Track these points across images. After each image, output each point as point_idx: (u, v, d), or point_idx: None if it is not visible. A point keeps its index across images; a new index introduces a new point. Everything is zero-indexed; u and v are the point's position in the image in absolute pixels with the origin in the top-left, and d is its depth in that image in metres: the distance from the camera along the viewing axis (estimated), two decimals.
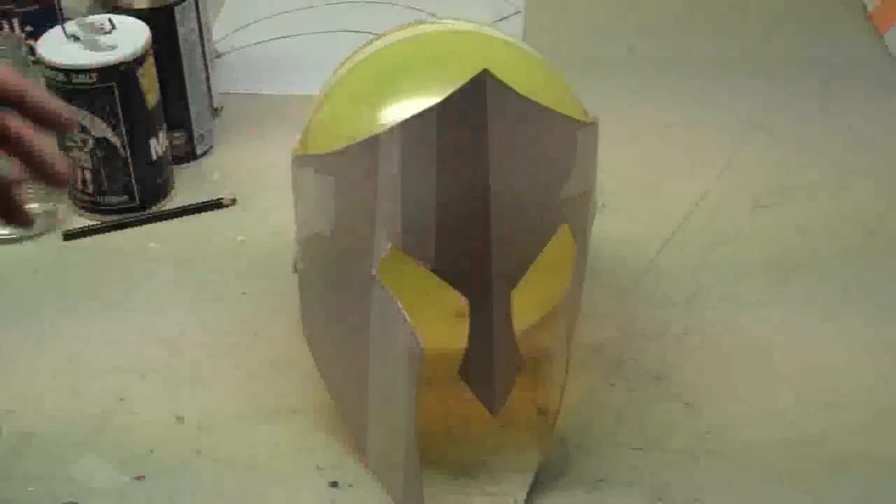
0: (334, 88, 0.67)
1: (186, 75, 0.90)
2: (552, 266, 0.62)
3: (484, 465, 0.66)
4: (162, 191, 0.88)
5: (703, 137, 0.97)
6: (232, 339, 0.75)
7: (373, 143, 0.58)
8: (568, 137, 0.61)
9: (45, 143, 0.53)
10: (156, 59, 0.85)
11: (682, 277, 0.80)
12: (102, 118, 0.82)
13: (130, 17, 0.85)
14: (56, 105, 0.54)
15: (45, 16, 0.89)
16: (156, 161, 0.86)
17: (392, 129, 0.57)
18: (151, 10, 0.86)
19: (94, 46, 0.82)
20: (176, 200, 0.89)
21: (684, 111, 1.01)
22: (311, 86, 0.70)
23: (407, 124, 0.57)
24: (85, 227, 0.85)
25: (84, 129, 0.82)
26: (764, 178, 0.91)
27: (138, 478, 0.65)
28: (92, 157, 0.84)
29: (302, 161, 0.64)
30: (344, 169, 0.60)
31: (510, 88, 0.56)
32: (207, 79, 0.93)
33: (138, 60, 0.82)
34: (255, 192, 0.88)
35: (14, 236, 0.84)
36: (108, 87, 0.81)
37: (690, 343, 0.75)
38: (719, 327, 0.76)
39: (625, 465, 0.66)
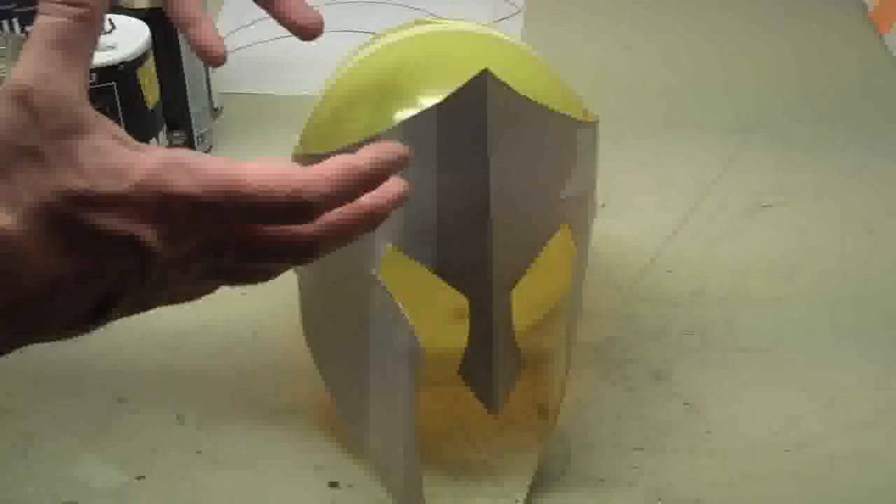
0: (334, 88, 0.67)
1: (186, 75, 0.90)
2: (552, 266, 0.62)
3: (484, 465, 0.66)
4: None
5: (703, 137, 0.97)
6: (232, 339, 0.75)
7: None
8: (568, 137, 0.61)
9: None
10: (156, 59, 0.85)
11: (683, 277, 0.80)
12: None
13: (130, 17, 0.85)
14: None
15: None
16: None
17: (392, 129, 0.57)
18: (151, 10, 0.86)
19: None
20: None
21: (684, 111, 1.01)
22: (311, 86, 0.70)
23: (407, 124, 0.57)
24: None
25: None
26: (764, 178, 0.91)
27: (138, 478, 0.65)
28: None
29: (302, 161, 0.64)
30: None
31: (510, 88, 0.56)
32: (207, 79, 0.93)
33: (138, 60, 0.82)
34: None
35: None
36: (108, 87, 0.81)
37: (691, 343, 0.75)
38: (720, 327, 0.76)
39: (625, 465, 0.66)
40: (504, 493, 0.64)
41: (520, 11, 1.16)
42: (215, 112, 0.97)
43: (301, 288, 0.69)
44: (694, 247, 0.83)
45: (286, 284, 0.71)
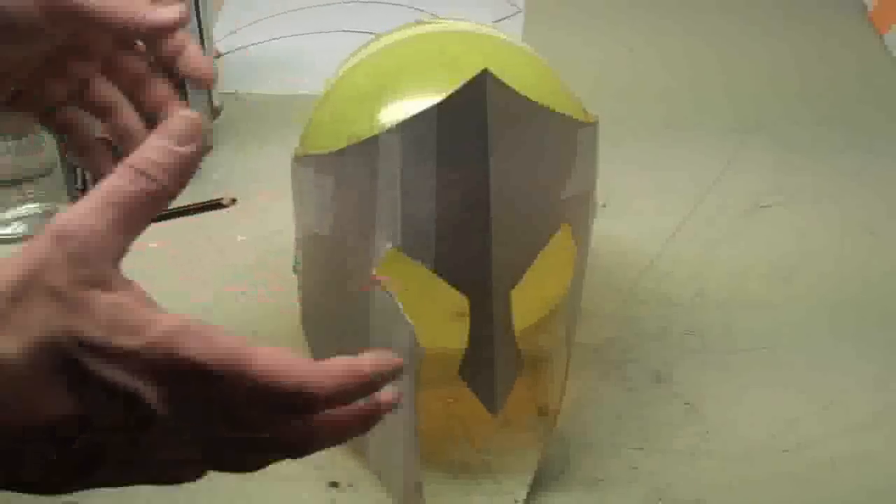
0: (334, 88, 0.67)
1: None
2: (552, 266, 0.62)
3: (484, 465, 0.66)
4: None
5: (703, 137, 0.97)
6: None
7: (373, 143, 0.58)
8: (568, 137, 0.61)
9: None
10: None
11: (683, 277, 0.80)
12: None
13: None
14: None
15: None
16: None
17: (392, 129, 0.57)
18: None
19: None
20: (176, 200, 0.88)
21: (684, 113, 1.01)
22: (312, 86, 0.70)
23: (407, 124, 0.57)
24: None
25: None
26: (764, 178, 0.91)
27: None
28: None
29: (302, 161, 0.64)
30: (344, 169, 0.60)
31: (510, 88, 0.56)
32: None
33: None
34: (255, 192, 0.88)
35: (14, 236, 0.84)
36: None
37: (691, 343, 0.75)
38: (720, 327, 0.76)
39: (625, 465, 0.66)
40: (504, 493, 0.64)
41: (520, 11, 1.16)
42: (215, 112, 0.97)
43: (301, 288, 0.69)
44: (693, 248, 0.83)
45: (286, 284, 0.71)
